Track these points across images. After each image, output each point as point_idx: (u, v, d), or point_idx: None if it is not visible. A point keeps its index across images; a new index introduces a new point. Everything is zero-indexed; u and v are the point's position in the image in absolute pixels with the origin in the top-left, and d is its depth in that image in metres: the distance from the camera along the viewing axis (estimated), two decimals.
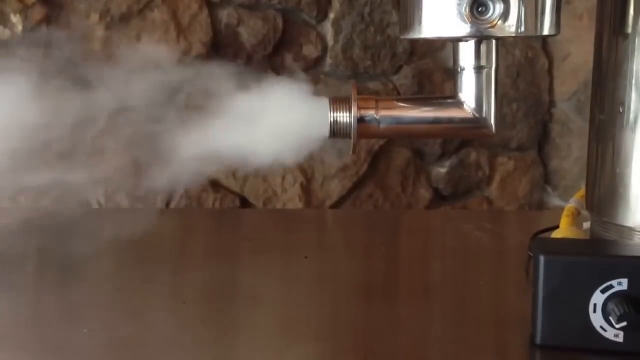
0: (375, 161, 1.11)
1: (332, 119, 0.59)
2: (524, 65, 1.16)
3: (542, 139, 1.20)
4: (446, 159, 1.16)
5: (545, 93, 1.19)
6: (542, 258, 0.49)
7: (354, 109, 0.58)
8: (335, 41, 1.07)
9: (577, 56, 1.18)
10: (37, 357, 0.50)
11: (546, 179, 1.21)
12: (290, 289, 0.64)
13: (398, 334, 0.54)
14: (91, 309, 0.59)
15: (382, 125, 0.59)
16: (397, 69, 1.10)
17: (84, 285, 0.64)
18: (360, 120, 0.58)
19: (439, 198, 1.16)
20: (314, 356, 0.50)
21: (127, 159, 0.59)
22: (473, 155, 1.16)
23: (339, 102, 0.59)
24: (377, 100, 0.59)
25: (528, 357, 0.50)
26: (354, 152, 0.60)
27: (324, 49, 1.07)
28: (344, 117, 0.58)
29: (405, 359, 0.51)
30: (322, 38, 1.07)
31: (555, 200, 1.21)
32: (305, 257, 0.70)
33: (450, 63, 1.12)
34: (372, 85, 1.08)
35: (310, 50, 1.07)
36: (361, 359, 0.50)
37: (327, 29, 1.07)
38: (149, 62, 0.58)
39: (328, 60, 1.08)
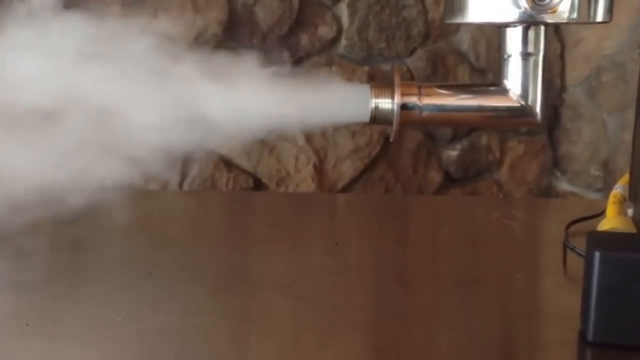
0: (387, 144, 1.10)
1: (373, 105, 0.57)
2: None
3: (552, 124, 1.19)
4: (457, 142, 1.15)
5: (557, 78, 1.18)
6: (597, 254, 0.47)
7: (397, 96, 0.57)
8: (351, 22, 1.06)
9: (589, 42, 1.17)
10: (67, 345, 0.49)
11: (555, 163, 1.20)
12: (322, 276, 0.62)
13: (439, 326, 0.52)
14: (120, 296, 0.57)
15: (424, 113, 0.57)
16: (411, 52, 1.09)
17: (108, 270, 0.62)
18: (403, 107, 0.57)
19: (449, 181, 1.15)
20: (358, 346, 0.49)
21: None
22: (484, 139, 1.16)
23: (380, 88, 0.58)
24: (420, 87, 0.57)
25: (580, 355, 0.49)
26: (394, 139, 0.59)
27: (339, 30, 1.06)
28: (386, 103, 0.57)
29: (450, 354, 0.49)
30: (337, 19, 1.05)
31: (563, 185, 1.21)
32: (336, 245, 0.69)
33: (464, 47, 1.12)
34: (386, 67, 1.07)
35: (325, 31, 1.05)
36: (405, 353, 0.48)
37: (343, 10, 1.06)
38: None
39: (343, 42, 1.06)
